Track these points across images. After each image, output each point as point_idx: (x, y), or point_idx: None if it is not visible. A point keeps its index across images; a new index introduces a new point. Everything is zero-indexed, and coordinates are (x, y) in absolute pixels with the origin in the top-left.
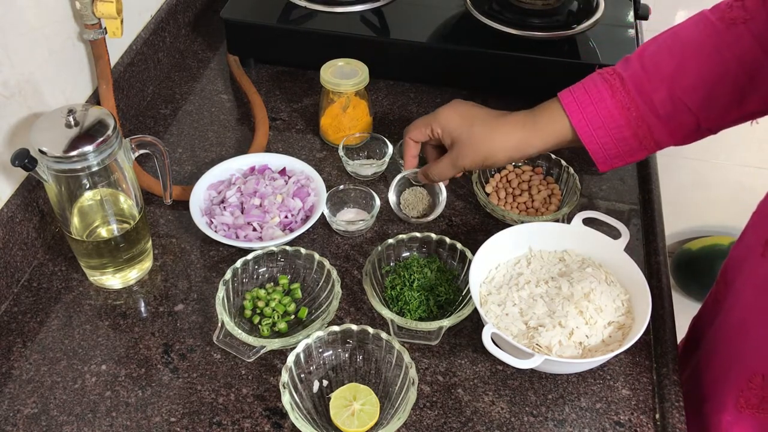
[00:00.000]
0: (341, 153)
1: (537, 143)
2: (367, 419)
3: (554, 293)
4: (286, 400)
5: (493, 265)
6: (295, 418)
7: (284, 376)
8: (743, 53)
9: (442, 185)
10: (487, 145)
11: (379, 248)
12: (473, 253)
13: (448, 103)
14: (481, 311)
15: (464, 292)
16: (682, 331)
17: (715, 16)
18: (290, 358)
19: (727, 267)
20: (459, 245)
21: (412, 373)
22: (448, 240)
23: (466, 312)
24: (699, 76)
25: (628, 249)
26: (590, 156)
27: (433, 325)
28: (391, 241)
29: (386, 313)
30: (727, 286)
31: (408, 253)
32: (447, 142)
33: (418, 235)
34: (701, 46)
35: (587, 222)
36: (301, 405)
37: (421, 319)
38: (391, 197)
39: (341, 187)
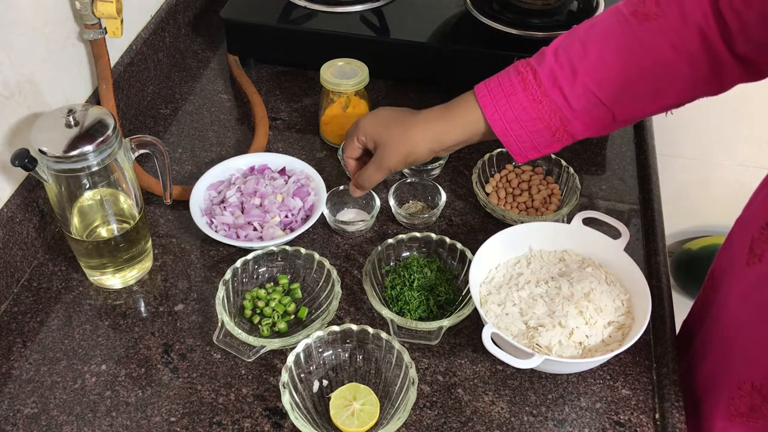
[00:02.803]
0: (341, 156)
1: (454, 135)
2: (367, 419)
3: (554, 293)
4: (286, 400)
5: (493, 265)
6: (295, 417)
7: (284, 376)
8: (655, 50)
9: (442, 197)
10: (408, 142)
11: (379, 248)
12: (473, 253)
13: (368, 113)
14: (481, 311)
15: (464, 292)
16: None
17: (629, 10)
18: (290, 358)
19: (713, 273)
20: (459, 245)
21: (412, 372)
22: (448, 240)
23: (466, 312)
24: (612, 71)
25: (628, 249)
26: (506, 148)
27: (432, 325)
28: (391, 241)
29: (386, 313)
30: (714, 292)
31: (408, 253)
32: (371, 147)
33: (418, 235)
34: (614, 41)
35: (587, 222)
36: (301, 405)
37: (421, 319)
38: (392, 201)
39: (341, 187)
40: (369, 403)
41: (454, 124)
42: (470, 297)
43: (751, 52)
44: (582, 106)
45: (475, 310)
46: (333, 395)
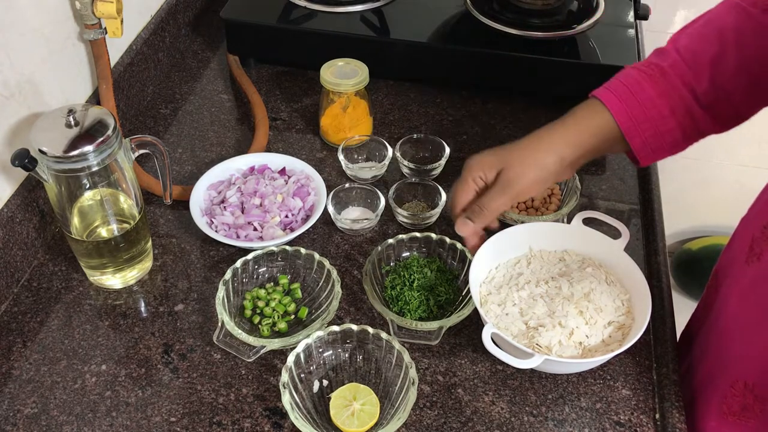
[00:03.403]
0: (341, 156)
1: (585, 140)
2: (367, 419)
3: (554, 293)
4: (286, 400)
5: (493, 265)
6: (295, 418)
7: (284, 376)
8: None
9: (442, 197)
10: (538, 155)
11: (379, 248)
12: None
13: (472, 155)
14: (481, 311)
15: (464, 292)
16: (681, 329)
17: (748, 3)
18: (290, 358)
19: (716, 272)
20: (459, 245)
21: (412, 373)
22: (448, 240)
23: (466, 312)
24: (740, 62)
25: (628, 249)
26: (632, 151)
27: (433, 325)
28: (391, 241)
29: (386, 313)
30: (716, 291)
31: (408, 253)
32: (491, 176)
33: (418, 235)
34: (739, 32)
35: (587, 222)
36: (301, 405)
37: (421, 319)
38: (392, 201)
39: (346, 185)
40: (369, 403)
41: (581, 130)
42: (470, 297)
43: None
44: (710, 101)
45: (475, 310)
46: (333, 395)
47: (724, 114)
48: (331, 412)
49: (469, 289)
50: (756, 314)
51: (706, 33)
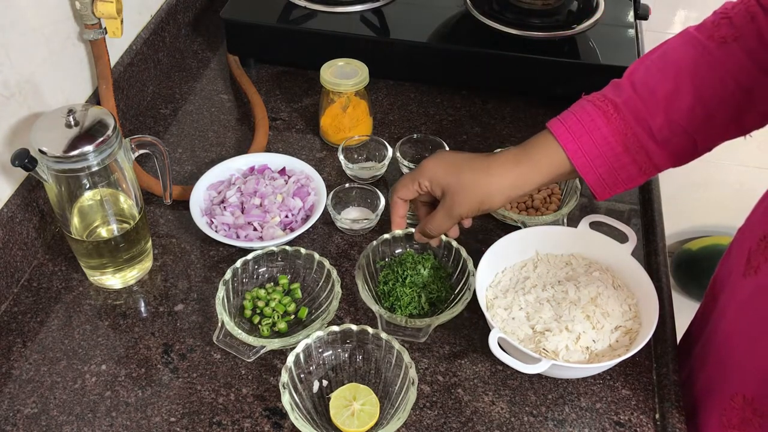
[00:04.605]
0: (341, 156)
1: (534, 179)
2: (367, 419)
3: (561, 297)
4: (286, 400)
5: (499, 269)
6: (295, 418)
7: (284, 376)
8: (738, 71)
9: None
10: (482, 189)
11: (374, 243)
12: (469, 252)
13: (431, 155)
14: (488, 315)
15: (457, 291)
16: (682, 330)
17: (704, 35)
18: (290, 358)
19: (715, 282)
20: (454, 243)
21: (412, 372)
22: (444, 237)
23: (456, 310)
24: (696, 98)
25: None
26: (588, 186)
27: (421, 322)
28: (386, 236)
29: (375, 307)
30: (714, 301)
31: (402, 250)
32: (437, 193)
33: (414, 231)
34: (695, 66)
35: (594, 226)
36: (301, 405)
37: (411, 316)
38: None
39: (346, 185)
40: (369, 403)
41: (532, 168)
42: (462, 295)
43: None
44: (665, 137)
45: (468, 308)
46: (333, 395)
47: (680, 149)
48: (331, 412)
49: (461, 287)
50: (754, 328)
51: (662, 67)
